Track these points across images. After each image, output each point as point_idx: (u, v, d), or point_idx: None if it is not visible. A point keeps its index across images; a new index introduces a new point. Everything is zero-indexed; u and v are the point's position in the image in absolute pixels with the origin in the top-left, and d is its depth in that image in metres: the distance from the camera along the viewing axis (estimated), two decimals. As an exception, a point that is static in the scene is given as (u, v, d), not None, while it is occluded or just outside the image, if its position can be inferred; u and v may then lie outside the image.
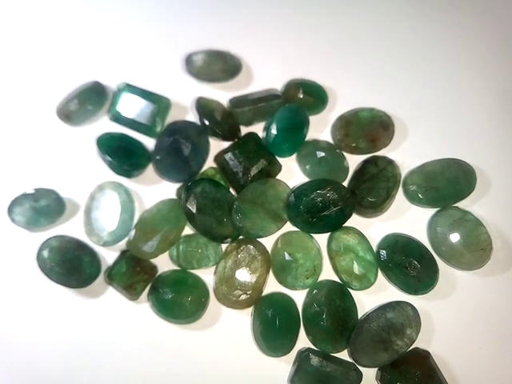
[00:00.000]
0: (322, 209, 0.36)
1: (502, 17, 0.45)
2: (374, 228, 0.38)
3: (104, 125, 0.41)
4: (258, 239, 0.38)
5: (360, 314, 0.36)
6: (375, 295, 0.37)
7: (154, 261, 0.37)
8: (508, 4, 0.45)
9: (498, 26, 0.44)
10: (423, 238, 0.38)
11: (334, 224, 0.37)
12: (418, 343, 0.35)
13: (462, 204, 0.38)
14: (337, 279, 0.37)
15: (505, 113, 0.41)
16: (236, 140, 0.40)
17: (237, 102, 0.41)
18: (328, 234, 0.38)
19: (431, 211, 0.39)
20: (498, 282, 0.37)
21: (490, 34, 0.44)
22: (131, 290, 0.36)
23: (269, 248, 0.38)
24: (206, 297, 0.37)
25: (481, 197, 0.39)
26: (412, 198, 0.39)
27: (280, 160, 0.40)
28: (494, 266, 0.37)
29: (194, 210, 0.36)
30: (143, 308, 0.37)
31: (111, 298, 0.37)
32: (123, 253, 0.37)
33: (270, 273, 0.37)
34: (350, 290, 0.37)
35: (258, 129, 0.41)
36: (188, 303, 0.36)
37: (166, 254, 0.38)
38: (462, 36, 0.44)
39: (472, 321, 0.36)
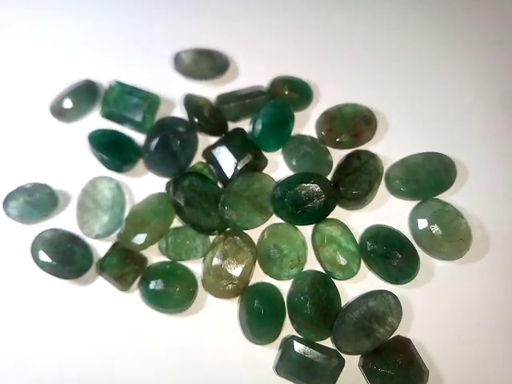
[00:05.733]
0: (306, 201, 0.37)
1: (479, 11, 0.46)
2: (356, 220, 0.39)
3: (95, 121, 0.42)
4: (245, 231, 0.38)
5: (343, 303, 0.37)
6: (358, 284, 0.38)
7: (144, 252, 0.38)
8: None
9: (475, 22, 0.46)
10: (404, 229, 0.39)
11: (317, 216, 0.38)
12: (400, 331, 0.36)
13: (442, 196, 0.39)
14: (321, 269, 0.38)
15: (485, 106, 0.42)
16: (223, 135, 0.41)
17: (224, 98, 0.42)
18: (312, 225, 0.39)
19: (412, 203, 0.39)
20: (476, 272, 0.38)
21: (470, 29, 0.45)
22: (122, 281, 0.37)
23: (255, 240, 0.39)
24: (195, 287, 0.37)
25: (461, 189, 0.40)
26: (394, 190, 0.40)
27: (266, 155, 0.41)
28: (472, 255, 0.38)
29: (182, 203, 0.37)
30: (134, 298, 0.38)
31: (102, 288, 0.38)
32: (114, 245, 0.38)
33: (257, 263, 0.38)
34: (333, 280, 0.37)
35: (246, 125, 0.42)
36: (177, 293, 0.37)
37: (156, 245, 0.38)
38: (443, 31, 0.45)
39: (451, 309, 0.37)
